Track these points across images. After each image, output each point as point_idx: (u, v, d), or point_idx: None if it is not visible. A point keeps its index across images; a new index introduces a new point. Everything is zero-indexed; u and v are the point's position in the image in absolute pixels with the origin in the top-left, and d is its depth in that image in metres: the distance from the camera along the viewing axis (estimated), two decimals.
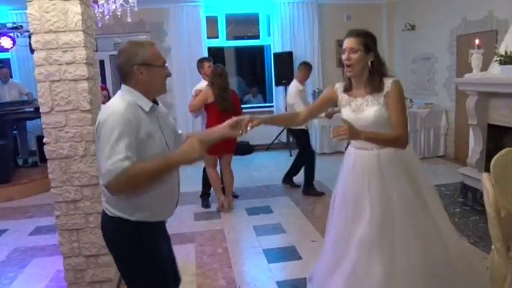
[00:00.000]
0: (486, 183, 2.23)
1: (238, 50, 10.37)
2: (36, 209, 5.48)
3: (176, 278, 2.11)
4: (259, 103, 9.17)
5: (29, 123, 7.29)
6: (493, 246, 2.34)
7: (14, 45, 7.12)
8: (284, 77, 7.73)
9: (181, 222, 4.69)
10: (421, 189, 2.42)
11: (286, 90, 6.56)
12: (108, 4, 4.71)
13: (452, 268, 2.34)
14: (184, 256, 3.83)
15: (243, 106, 6.53)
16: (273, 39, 8.43)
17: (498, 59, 4.39)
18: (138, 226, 1.85)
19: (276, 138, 8.24)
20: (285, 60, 8.06)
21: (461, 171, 5.04)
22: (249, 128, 2.19)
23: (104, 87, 4.64)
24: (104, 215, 1.92)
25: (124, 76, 1.84)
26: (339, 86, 2.54)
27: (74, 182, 2.89)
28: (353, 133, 2.15)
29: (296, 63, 8.21)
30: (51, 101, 2.76)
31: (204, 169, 5.16)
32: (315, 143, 7.45)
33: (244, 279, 3.41)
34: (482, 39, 4.85)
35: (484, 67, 4.73)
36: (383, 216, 2.31)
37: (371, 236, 2.30)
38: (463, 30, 6.57)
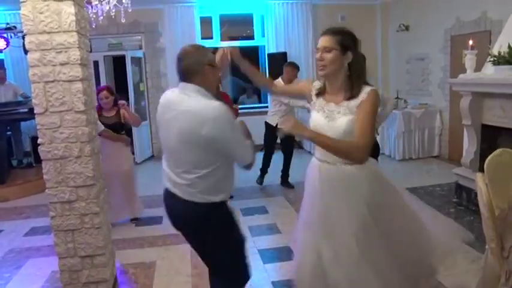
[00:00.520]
0: (480, 183, 2.24)
1: None
2: (31, 209, 5.45)
3: None
4: (254, 104, 9.17)
5: (23, 124, 7.25)
6: (487, 246, 2.35)
7: (7, 46, 7.08)
8: (278, 77, 7.72)
9: None
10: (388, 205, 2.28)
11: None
12: (102, 5, 4.70)
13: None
14: (180, 256, 3.84)
15: (239, 107, 6.56)
16: (267, 40, 8.43)
17: (492, 59, 4.41)
18: (224, 204, 2.18)
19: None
20: (279, 60, 8.02)
21: (455, 171, 5.07)
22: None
23: (110, 92, 4.50)
24: (192, 205, 2.12)
25: (192, 75, 2.05)
26: (315, 85, 2.33)
27: (69, 183, 2.88)
28: (297, 127, 1.99)
29: None
30: (46, 101, 2.75)
31: None
32: (311, 145, 7.46)
33: None
34: (475, 40, 4.87)
35: (478, 67, 4.76)
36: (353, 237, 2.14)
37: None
38: (457, 30, 6.61)
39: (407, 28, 7.94)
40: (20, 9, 2.68)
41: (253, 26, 8.72)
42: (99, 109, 4.29)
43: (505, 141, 4.40)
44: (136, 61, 8.21)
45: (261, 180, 6.06)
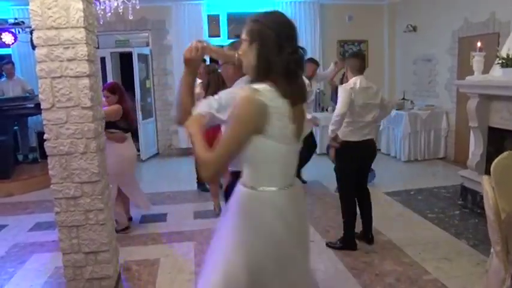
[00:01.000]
0: (486, 186, 2.22)
1: None
2: (36, 205, 5.48)
3: None
4: None
5: (30, 119, 7.29)
6: (492, 249, 2.34)
7: (15, 41, 7.12)
8: None
9: (180, 220, 4.71)
10: None
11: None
12: (110, 1, 4.71)
13: None
14: (183, 254, 3.84)
15: None
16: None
17: (500, 61, 4.38)
18: None
19: None
20: None
21: (461, 173, 5.04)
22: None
23: (111, 91, 4.25)
24: None
25: None
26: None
27: (74, 179, 2.88)
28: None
29: None
30: (52, 97, 2.75)
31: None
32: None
33: None
34: (484, 42, 4.84)
35: (486, 69, 4.72)
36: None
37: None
38: (465, 32, 6.57)
39: (414, 29, 7.90)
40: (28, 4, 2.68)
41: None
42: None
43: None
44: (143, 58, 8.23)
45: None
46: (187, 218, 4.78)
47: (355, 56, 3.91)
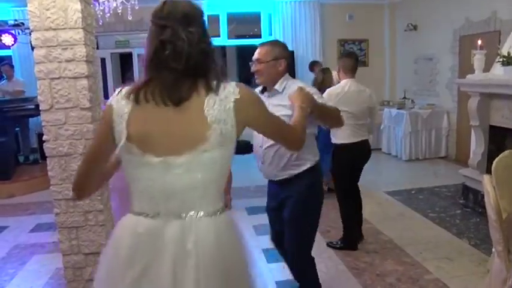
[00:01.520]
0: (487, 185, 2.21)
1: (240, 49, 10.34)
2: (37, 206, 5.47)
3: None
4: None
5: (30, 120, 7.29)
6: (493, 249, 2.32)
7: (15, 43, 7.12)
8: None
9: None
10: None
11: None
12: (109, 2, 4.70)
13: None
14: None
15: None
16: (275, 39, 8.40)
17: (501, 60, 4.37)
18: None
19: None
20: None
21: (462, 172, 5.02)
22: None
23: None
24: (305, 171, 2.41)
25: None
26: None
27: (73, 180, 2.87)
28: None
29: (297, 63, 8.23)
30: (51, 98, 2.74)
31: None
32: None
33: None
34: (485, 40, 4.83)
35: (487, 68, 4.71)
36: None
37: None
38: (466, 30, 6.55)
39: (415, 28, 7.88)
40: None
41: (260, 24, 8.69)
42: None
43: None
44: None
45: None
46: None
47: (348, 56, 3.86)
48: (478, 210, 4.52)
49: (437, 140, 7.29)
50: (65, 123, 2.79)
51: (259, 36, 8.78)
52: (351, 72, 3.68)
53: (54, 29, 2.66)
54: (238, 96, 1.35)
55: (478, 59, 4.66)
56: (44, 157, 4.88)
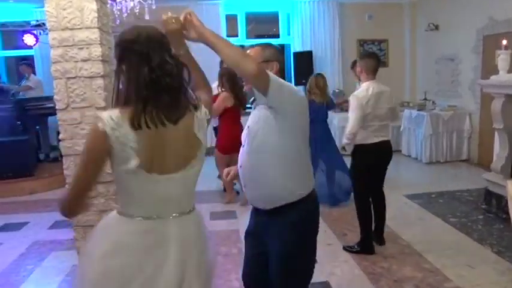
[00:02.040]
0: (511, 190, 2.13)
1: None
2: (56, 203, 5.53)
3: None
4: None
5: (50, 118, 7.41)
6: None
7: (36, 42, 7.25)
8: (304, 76, 7.66)
9: None
10: None
11: (305, 89, 6.48)
12: (126, 1, 4.72)
13: None
14: None
15: None
16: (293, 39, 8.37)
17: None
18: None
19: None
20: (305, 59, 8.00)
21: (485, 176, 4.88)
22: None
23: None
24: (288, 205, 1.97)
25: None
26: None
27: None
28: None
29: (316, 63, 8.16)
30: (67, 97, 2.77)
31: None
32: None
33: None
34: (510, 40, 4.68)
35: (511, 68, 4.57)
36: None
37: None
38: (490, 30, 6.38)
39: (436, 27, 7.72)
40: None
41: (279, 24, 8.66)
42: None
43: None
44: None
45: None
46: (203, 218, 4.76)
47: (370, 56, 3.78)
48: (501, 216, 4.38)
49: (459, 142, 7.12)
50: (80, 123, 2.82)
51: (278, 36, 8.75)
52: (373, 73, 3.63)
53: (71, 29, 2.69)
54: (209, 117, 1.62)
55: (502, 59, 4.53)
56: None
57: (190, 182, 1.61)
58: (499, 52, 4.66)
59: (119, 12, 4.87)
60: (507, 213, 2.58)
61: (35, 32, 7.17)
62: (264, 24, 9.69)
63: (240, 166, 2.10)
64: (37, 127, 7.24)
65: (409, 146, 7.49)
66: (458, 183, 5.80)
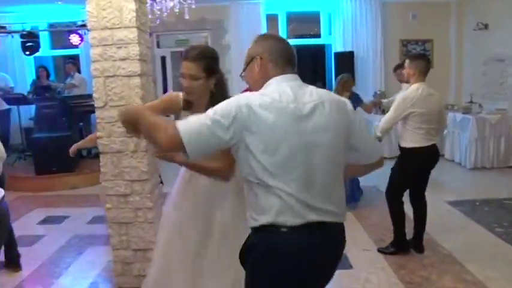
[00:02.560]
0: None
1: (299, 49, 10.19)
2: (96, 198, 5.69)
3: None
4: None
5: (93, 116, 7.64)
6: None
7: (81, 42, 7.50)
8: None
9: None
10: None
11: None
12: (166, 1, 4.78)
13: None
14: None
15: None
16: (334, 39, 8.25)
17: None
18: None
19: None
20: (346, 59, 7.87)
21: None
22: None
23: None
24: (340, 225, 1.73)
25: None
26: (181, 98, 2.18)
27: (124, 177, 2.94)
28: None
29: (357, 63, 8.01)
30: (105, 96, 2.82)
31: None
32: None
33: None
34: None
35: None
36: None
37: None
38: None
39: (486, 27, 7.38)
40: None
41: (320, 24, 8.55)
42: None
43: None
44: None
45: None
46: None
47: (421, 58, 3.71)
48: None
49: (508, 148, 6.77)
50: (118, 121, 2.85)
51: (319, 36, 8.64)
52: (424, 75, 3.58)
53: (110, 28, 2.73)
54: None
55: None
56: None
57: None
58: None
59: (159, 12, 4.94)
60: None
61: (80, 31, 7.41)
62: (305, 24, 9.61)
63: None
64: (81, 124, 7.48)
65: (453, 151, 7.21)
66: (506, 190, 5.50)
